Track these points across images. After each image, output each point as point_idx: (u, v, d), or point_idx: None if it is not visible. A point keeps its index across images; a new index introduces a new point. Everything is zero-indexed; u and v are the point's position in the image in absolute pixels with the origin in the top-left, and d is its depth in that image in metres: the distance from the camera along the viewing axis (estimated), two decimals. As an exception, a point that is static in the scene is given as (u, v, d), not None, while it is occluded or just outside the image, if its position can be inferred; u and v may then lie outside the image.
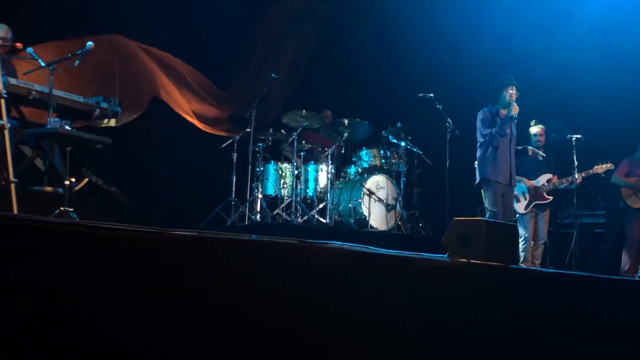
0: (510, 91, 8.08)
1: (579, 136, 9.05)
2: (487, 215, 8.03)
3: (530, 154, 9.08)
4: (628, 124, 10.65)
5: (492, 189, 7.98)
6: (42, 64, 6.37)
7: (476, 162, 8.22)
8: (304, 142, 9.73)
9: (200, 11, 10.39)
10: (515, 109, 7.97)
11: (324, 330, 3.80)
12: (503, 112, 8.06)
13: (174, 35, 10.51)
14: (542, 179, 9.09)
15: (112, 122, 7.17)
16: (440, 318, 4.48)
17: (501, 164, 8.01)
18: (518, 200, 9.00)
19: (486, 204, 8.11)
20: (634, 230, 9.37)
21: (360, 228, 9.23)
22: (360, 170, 9.73)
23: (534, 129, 9.28)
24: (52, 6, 8.94)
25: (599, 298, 5.74)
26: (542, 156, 9.06)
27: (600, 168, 9.03)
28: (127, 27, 9.75)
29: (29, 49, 6.56)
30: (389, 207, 9.51)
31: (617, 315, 5.70)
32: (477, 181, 8.17)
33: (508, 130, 8.04)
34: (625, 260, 9.40)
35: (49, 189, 6.53)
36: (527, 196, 9.01)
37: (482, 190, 8.17)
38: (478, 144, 8.16)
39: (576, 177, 8.96)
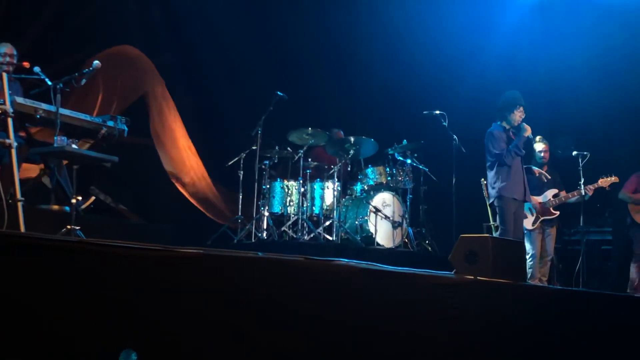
0: (519, 111, 8.08)
1: (585, 153, 9.03)
2: (499, 232, 8.02)
3: (536, 174, 9.04)
4: (634, 141, 10.63)
5: (506, 206, 7.95)
6: (49, 83, 6.39)
7: (484, 180, 8.21)
8: (310, 159, 9.73)
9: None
10: (529, 130, 7.99)
11: (330, 347, 3.80)
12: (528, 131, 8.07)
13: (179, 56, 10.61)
14: (548, 194, 9.07)
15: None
16: (447, 335, 4.47)
17: (516, 181, 8.00)
18: (525, 217, 8.98)
19: (498, 221, 8.10)
20: (642, 246, 9.32)
21: (366, 245, 9.21)
22: (366, 188, 9.73)
23: (539, 146, 9.25)
24: (59, 25, 9.01)
25: (606, 315, 5.72)
26: (547, 178, 9.01)
27: (605, 181, 8.98)
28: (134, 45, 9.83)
29: (36, 68, 6.59)
30: (395, 225, 9.50)
31: (625, 332, 5.68)
32: (491, 199, 8.16)
33: (524, 150, 8.06)
34: (633, 277, 9.35)
35: (55, 207, 6.54)
36: (534, 212, 8.99)
37: (495, 207, 8.14)
38: (489, 163, 8.12)
39: (584, 189, 8.93)
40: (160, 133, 9.80)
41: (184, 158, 10.01)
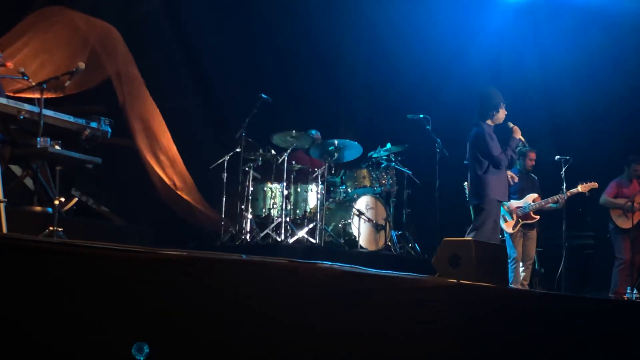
0: (503, 109, 7.89)
1: (567, 157, 9.07)
2: (475, 233, 7.82)
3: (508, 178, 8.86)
4: (615, 146, 10.71)
5: (491, 208, 7.79)
6: (33, 84, 6.36)
7: (467, 183, 8.12)
8: (293, 162, 9.73)
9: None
10: (518, 131, 7.90)
11: (312, 350, 3.80)
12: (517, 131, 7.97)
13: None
14: (528, 199, 9.11)
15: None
16: (430, 338, 4.48)
17: (502, 182, 7.91)
18: (505, 220, 9.01)
19: (477, 222, 7.88)
20: (623, 251, 9.40)
21: (350, 248, 9.23)
22: (350, 191, 9.74)
23: (531, 154, 9.25)
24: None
25: (588, 319, 5.75)
26: (515, 181, 8.80)
27: (584, 187, 9.03)
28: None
29: (21, 69, 6.55)
30: (378, 228, 9.52)
31: (606, 335, 5.71)
32: (477, 201, 7.80)
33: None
34: (614, 281, 9.42)
35: (38, 208, 6.50)
36: (514, 216, 9.03)
37: (475, 209, 7.95)
38: (483, 165, 7.76)
39: (558, 197, 8.96)
40: (147, 118, 9.50)
41: (173, 157, 9.86)
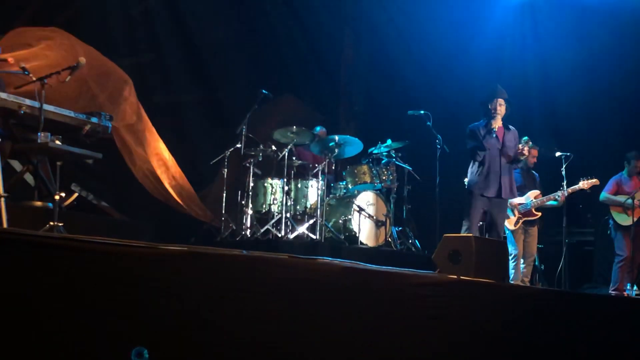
0: (494, 104, 8.08)
1: (568, 154, 9.07)
2: (463, 228, 8.05)
3: None
4: (616, 143, 10.71)
5: (472, 202, 8.01)
6: (34, 79, 6.35)
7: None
8: (294, 158, 9.72)
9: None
10: (493, 124, 8.01)
11: (312, 345, 3.80)
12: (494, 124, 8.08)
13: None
14: (530, 196, 9.11)
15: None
16: (430, 334, 4.48)
17: (489, 177, 8.01)
18: (507, 217, 9.04)
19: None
20: (623, 247, 9.39)
21: (350, 244, 9.22)
22: (350, 187, 9.73)
23: (533, 151, 9.26)
24: (43, 22, 8.93)
25: (589, 315, 5.75)
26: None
27: (585, 184, 9.03)
28: (115, 44, 9.73)
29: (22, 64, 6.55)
30: (378, 224, 9.52)
31: (606, 331, 5.72)
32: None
33: (488, 146, 8.03)
34: (615, 278, 9.42)
35: (38, 203, 6.49)
36: (516, 212, 9.04)
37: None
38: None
39: (559, 195, 8.99)
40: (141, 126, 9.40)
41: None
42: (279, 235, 8.96)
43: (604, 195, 9.57)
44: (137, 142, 8.91)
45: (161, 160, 9.26)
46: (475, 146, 8.02)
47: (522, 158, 8.31)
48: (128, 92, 8.69)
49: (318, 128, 10.41)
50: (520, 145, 8.21)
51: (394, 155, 10.07)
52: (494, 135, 8.05)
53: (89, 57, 7.66)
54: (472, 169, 8.13)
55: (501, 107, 8.09)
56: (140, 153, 8.93)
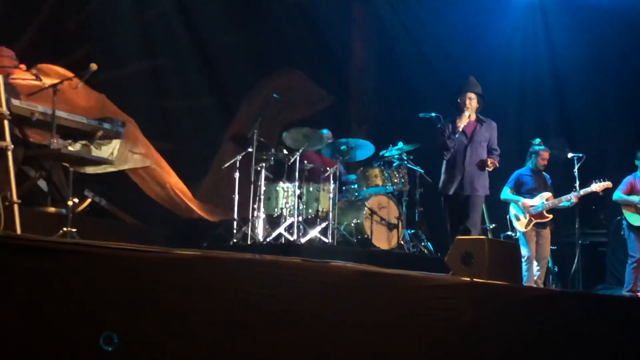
0: (464, 98, 7.97)
1: (580, 154, 9.05)
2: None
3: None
4: (629, 143, 10.66)
5: (443, 203, 8.07)
6: (46, 85, 6.38)
7: None
8: (305, 162, 9.72)
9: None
10: (458, 122, 7.88)
11: (325, 349, 3.80)
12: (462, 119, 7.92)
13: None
14: (542, 198, 9.08)
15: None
16: (444, 336, 4.48)
17: (453, 174, 7.95)
18: (518, 219, 9.02)
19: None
20: (637, 248, 9.32)
21: (362, 247, 9.21)
22: (362, 190, 9.73)
23: (544, 153, 9.21)
24: (54, 26, 8.99)
25: (602, 316, 5.73)
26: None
27: (598, 187, 8.99)
28: (127, 48, 9.80)
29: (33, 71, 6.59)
30: (391, 227, 9.51)
31: (621, 333, 5.70)
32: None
33: (453, 144, 7.91)
34: (628, 279, 9.37)
35: (52, 209, 6.54)
36: (527, 214, 9.01)
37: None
38: None
39: (571, 197, 8.95)
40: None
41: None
42: (291, 239, 8.96)
43: (617, 194, 9.52)
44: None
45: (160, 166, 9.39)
46: (440, 145, 7.95)
47: (487, 170, 7.99)
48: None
49: (324, 131, 10.39)
50: (489, 161, 7.88)
51: (405, 158, 10.05)
52: (461, 131, 7.90)
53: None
54: (442, 168, 8.08)
55: (471, 101, 7.97)
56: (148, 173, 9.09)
